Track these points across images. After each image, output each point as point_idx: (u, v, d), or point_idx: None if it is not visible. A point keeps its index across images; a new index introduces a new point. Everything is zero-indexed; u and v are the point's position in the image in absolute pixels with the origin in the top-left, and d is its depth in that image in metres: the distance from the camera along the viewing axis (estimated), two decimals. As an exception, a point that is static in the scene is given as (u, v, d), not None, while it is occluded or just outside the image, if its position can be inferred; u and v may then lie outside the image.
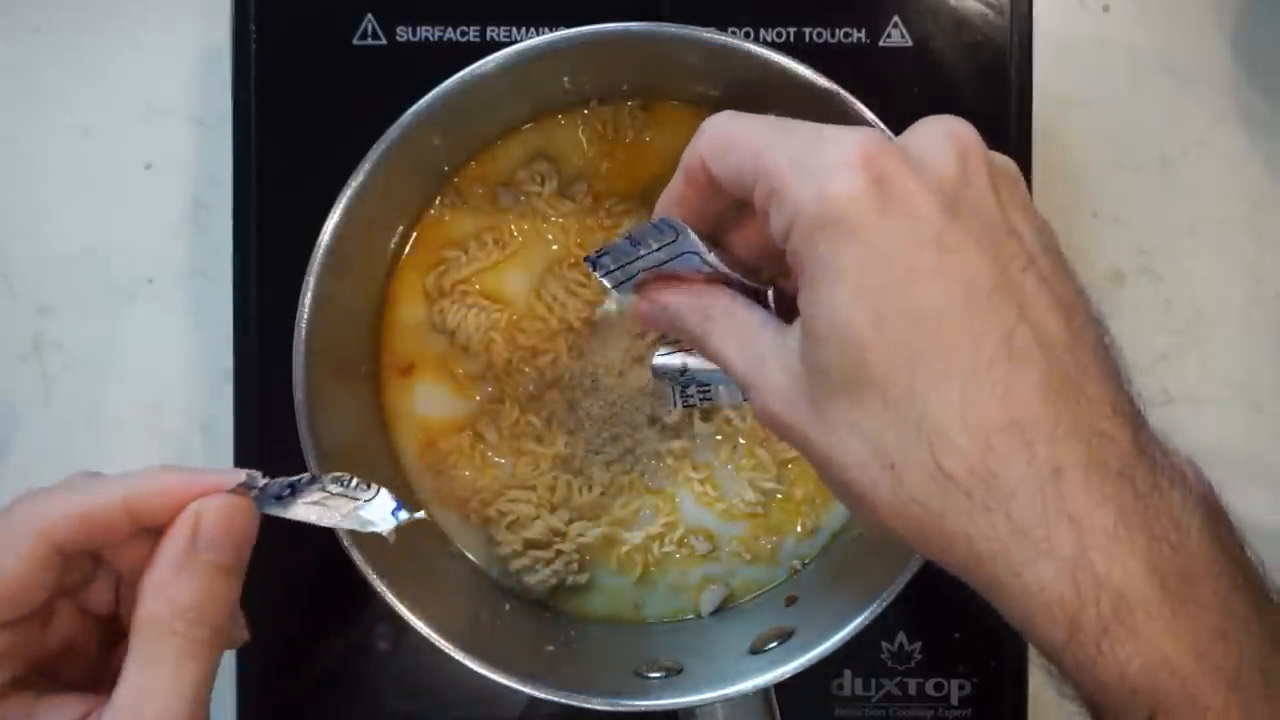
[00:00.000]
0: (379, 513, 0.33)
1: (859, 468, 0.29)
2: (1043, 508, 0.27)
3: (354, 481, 0.33)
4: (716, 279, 0.34)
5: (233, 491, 0.32)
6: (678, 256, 0.34)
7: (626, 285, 0.36)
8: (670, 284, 0.35)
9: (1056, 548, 0.27)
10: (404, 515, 0.33)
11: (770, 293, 0.34)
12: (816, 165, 0.29)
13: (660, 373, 0.38)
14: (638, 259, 0.35)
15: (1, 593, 0.30)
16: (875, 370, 0.28)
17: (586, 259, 0.36)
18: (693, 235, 0.33)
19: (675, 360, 0.38)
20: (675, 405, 0.39)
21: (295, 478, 0.33)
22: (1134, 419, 0.29)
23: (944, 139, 0.30)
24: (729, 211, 0.34)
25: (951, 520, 0.28)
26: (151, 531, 0.32)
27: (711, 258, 0.33)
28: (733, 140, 0.32)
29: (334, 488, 0.33)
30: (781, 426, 0.31)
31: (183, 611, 0.31)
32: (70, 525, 0.31)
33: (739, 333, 0.33)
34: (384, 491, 0.33)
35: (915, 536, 0.29)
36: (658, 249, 0.34)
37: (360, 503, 0.33)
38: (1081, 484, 0.27)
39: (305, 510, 0.33)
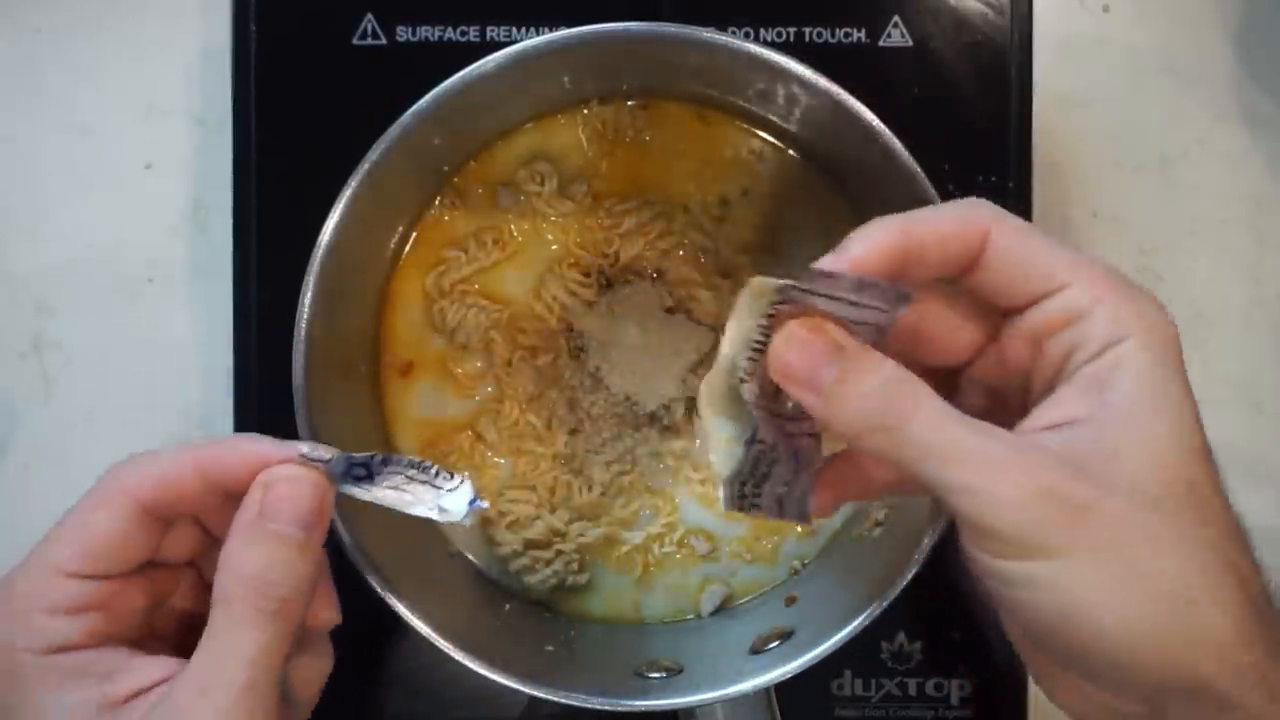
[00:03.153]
0: (458, 503, 0.33)
1: (1135, 597, 0.28)
2: None
3: (435, 469, 0.33)
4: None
5: (305, 463, 0.32)
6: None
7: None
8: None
9: None
10: (480, 505, 0.33)
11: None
12: (1145, 298, 0.30)
13: (731, 462, 0.32)
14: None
15: (90, 546, 0.32)
16: (1199, 492, 0.28)
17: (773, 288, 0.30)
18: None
19: (741, 452, 0.32)
20: (729, 506, 0.33)
21: (370, 455, 0.33)
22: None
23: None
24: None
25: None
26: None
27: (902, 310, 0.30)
28: (1039, 239, 0.30)
29: (413, 473, 0.33)
30: (999, 540, 0.28)
31: (246, 582, 0.31)
32: (150, 485, 0.32)
33: (956, 425, 0.29)
34: (468, 482, 0.33)
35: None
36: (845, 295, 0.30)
37: (442, 492, 0.33)
38: None
39: (384, 494, 0.33)
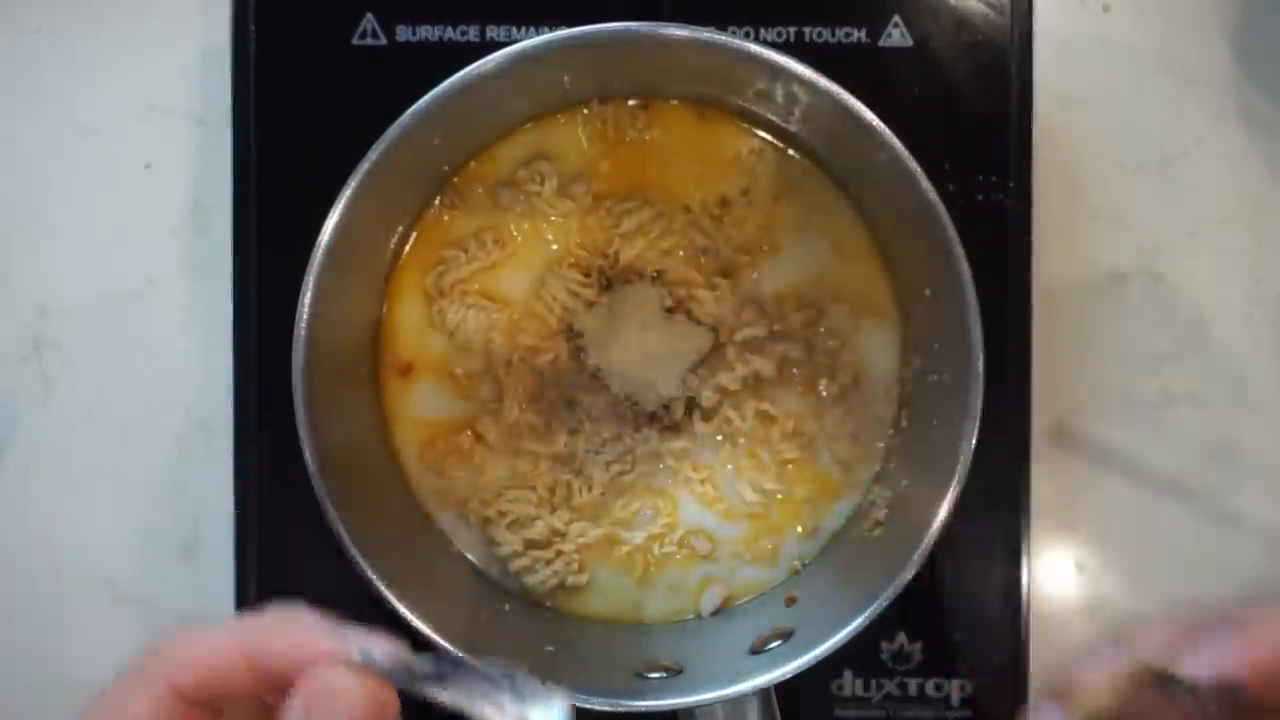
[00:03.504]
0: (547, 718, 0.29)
1: None
2: None
3: (519, 679, 0.30)
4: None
5: (358, 669, 0.29)
6: None
7: None
8: None
9: None
10: None
11: None
12: None
13: None
14: None
15: None
16: None
17: None
18: None
19: None
20: None
21: (439, 659, 0.29)
22: None
23: None
24: None
25: None
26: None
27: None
28: None
29: (497, 678, 0.30)
30: None
31: None
32: (190, 673, 0.30)
33: None
34: (562, 700, 0.29)
35: None
36: None
37: (527, 707, 0.29)
38: None
39: (459, 700, 0.29)
